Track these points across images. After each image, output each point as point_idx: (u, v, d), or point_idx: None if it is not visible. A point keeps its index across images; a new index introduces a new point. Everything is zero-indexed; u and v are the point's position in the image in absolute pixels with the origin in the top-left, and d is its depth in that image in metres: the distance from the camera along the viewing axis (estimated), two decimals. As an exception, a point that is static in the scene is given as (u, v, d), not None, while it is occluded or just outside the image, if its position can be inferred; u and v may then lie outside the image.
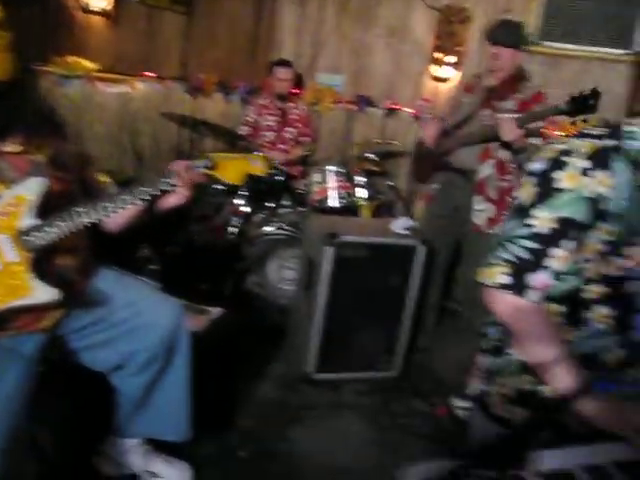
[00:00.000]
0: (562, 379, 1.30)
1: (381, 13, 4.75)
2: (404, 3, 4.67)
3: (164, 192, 1.85)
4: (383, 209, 4.14)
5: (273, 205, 3.91)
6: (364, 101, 4.81)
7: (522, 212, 1.34)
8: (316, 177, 3.90)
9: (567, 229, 1.29)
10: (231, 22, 4.76)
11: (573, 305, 1.38)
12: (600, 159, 1.28)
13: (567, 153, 1.30)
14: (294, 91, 4.59)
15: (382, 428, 2.83)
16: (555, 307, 1.39)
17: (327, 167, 3.88)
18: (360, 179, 3.94)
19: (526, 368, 1.43)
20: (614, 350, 1.39)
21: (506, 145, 2.96)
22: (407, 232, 3.07)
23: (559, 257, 1.31)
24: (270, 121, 4.45)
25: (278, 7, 5.05)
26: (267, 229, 3.73)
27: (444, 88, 4.63)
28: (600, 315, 1.36)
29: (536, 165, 1.35)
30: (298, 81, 4.67)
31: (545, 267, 1.31)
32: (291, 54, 4.99)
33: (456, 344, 3.42)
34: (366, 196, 3.92)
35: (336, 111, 4.92)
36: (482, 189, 3.18)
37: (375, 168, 4.22)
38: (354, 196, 3.87)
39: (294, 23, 5.04)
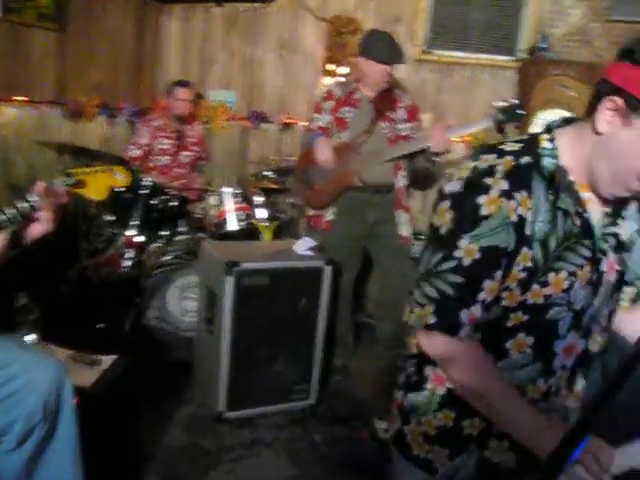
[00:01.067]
0: (510, 415, 1.21)
1: (270, 26, 4.62)
2: (293, 15, 4.57)
3: (26, 219, 1.60)
4: (285, 229, 3.98)
5: (168, 232, 3.66)
6: (258, 117, 4.65)
7: (444, 242, 1.21)
8: (213, 200, 3.69)
9: (494, 258, 1.19)
10: (111, 40, 4.46)
11: (492, 335, 1.28)
12: (519, 178, 1.19)
13: (485, 173, 1.19)
14: (192, 112, 4.38)
15: (303, 461, 2.68)
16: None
17: (223, 189, 3.67)
18: (259, 199, 3.77)
19: (448, 403, 1.32)
20: (537, 380, 1.30)
21: (429, 154, 2.94)
22: (311, 253, 2.94)
23: (488, 289, 1.21)
24: (165, 144, 4.21)
25: (162, 23, 4.83)
26: (164, 259, 3.47)
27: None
28: (520, 344, 1.27)
29: (452, 186, 1.23)
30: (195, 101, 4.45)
31: (475, 302, 1.21)
32: (178, 71, 4.80)
33: (372, 360, 3.33)
34: (266, 216, 3.75)
35: (230, 129, 4.73)
36: (400, 201, 3.16)
37: (274, 186, 4.07)
38: (254, 217, 3.69)
39: (180, 39, 4.84)
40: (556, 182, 1.20)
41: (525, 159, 1.21)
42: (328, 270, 2.88)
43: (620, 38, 4.18)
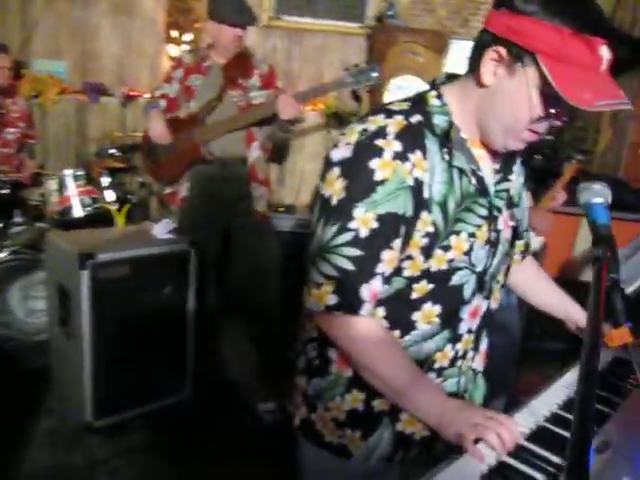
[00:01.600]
0: (423, 399, 1.14)
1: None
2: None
3: None
4: (138, 211, 3.67)
5: (1, 225, 3.19)
6: (95, 89, 4.19)
7: (337, 213, 1.12)
8: (52, 184, 3.27)
9: (393, 226, 1.12)
10: None
11: (397, 309, 1.22)
12: (411, 139, 1.12)
13: (375, 135, 1.11)
14: (12, 83, 3.85)
15: (182, 460, 2.48)
16: (379, 313, 1.22)
17: (64, 172, 3.26)
18: (105, 180, 3.42)
19: (356, 385, 1.25)
20: (444, 347, 1.26)
21: (282, 122, 2.80)
22: (172, 236, 2.71)
23: (388, 260, 1.13)
24: None
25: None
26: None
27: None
28: (427, 315, 1.23)
29: (340, 153, 1.14)
30: (15, 71, 3.90)
31: (375, 274, 1.13)
32: None
33: (244, 343, 3.19)
34: (115, 199, 3.41)
35: (63, 104, 4.23)
36: (255, 174, 2.99)
37: (120, 165, 3.72)
38: (102, 201, 3.34)
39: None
40: (450, 140, 1.16)
41: (416, 117, 1.15)
42: (193, 254, 2.67)
43: (459, 8, 4.33)
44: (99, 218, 3.29)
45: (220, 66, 2.97)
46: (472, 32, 4.34)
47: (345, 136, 1.16)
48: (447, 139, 1.15)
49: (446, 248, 1.17)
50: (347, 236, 1.10)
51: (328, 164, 1.16)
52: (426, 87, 1.25)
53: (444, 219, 1.15)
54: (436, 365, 1.26)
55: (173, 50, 4.16)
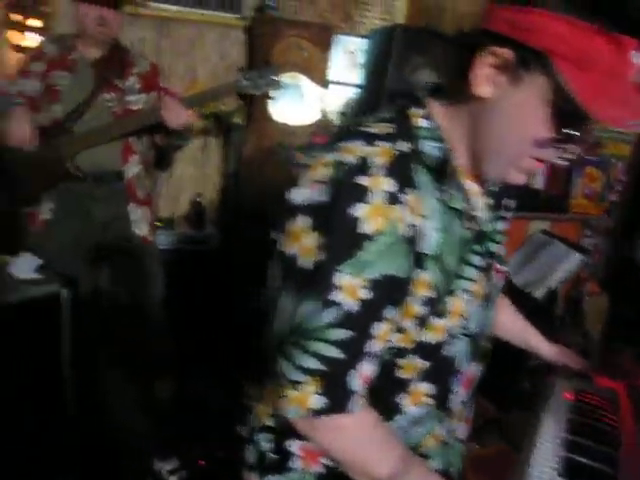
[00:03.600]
0: None
1: None
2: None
3: None
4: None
5: None
6: None
7: (313, 282, 0.84)
8: None
9: (388, 293, 0.85)
10: None
11: (379, 389, 0.94)
12: (403, 173, 0.86)
13: (357, 171, 0.83)
14: None
15: None
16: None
17: None
18: None
19: None
20: (435, 429, 1.01)
21: (167, 132, 2.36)
22: (38, 275, 2.18)
23: (382, 334, 0.88)
24: None
25: None
26: None
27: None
28: (416, 395, 0.97)
29: (306, 195, 0.85)
30: None
31: (365, 355, 0.87)
32: None
33: (131, 389, 2.72)
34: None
35: None
36: (133, 193, 2.52)
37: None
38: None
39: None
40: (446, 174, 0.90)
41: (404, 144, 0.89)
42: (67, 295, 2.16)
43: (342, 1, 4.10)
44: None
45: (90, 62, 2.45)
46: (355, 27, 4.14)
47: (311, 170, 0.85)
48: (442, 173, 0.90)
49: (441, 314, 0.91)
50: (330, 314, 0.83)
51: (289, 210, 0.86)
52: (315, 87, 0.95)
53: (444, 279, 0.90)
54: (423, 449, 1.00)
55: (16, 38, 3.49)
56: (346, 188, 0.83)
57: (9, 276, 2.13)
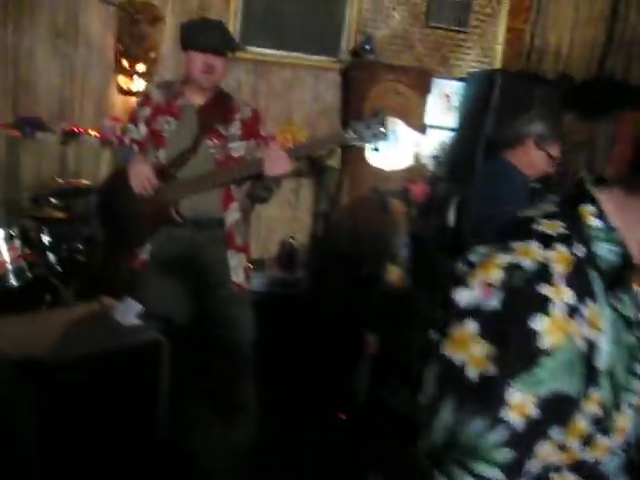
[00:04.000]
0: None
1: (40, 7, 3.59)
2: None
3: None
4: (86, 276, 3.09)
5: None
6: (30, 124, 3.61)
7: (480, 395, 0.76)
8: None
9: (557, 412, 0.77)
10: None
11: None
12: (582, 282, 0.78)
13: (537, 277, 0.75)
14: None
15: None
16: None
17: None
18: (45, 238, 2.84)
19: None
20: None
21: (267, 180, 2.35)
22: (138, 322, 2.19)
23: (545, 455, 0.79)
24: None
25: None
26: None
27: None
28: None
29: (475, 298, 0.77)
30: None
31: (524, 475, 0.78)
32: None
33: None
34: (57, 261, 2.84)
35: (-9, 139, 3.63)
36: (232, 239, 2.51)
37: (61, 215, 3.15)
38: (42, 266, 2.75)
39: None
40: (623, 281, 0.80)
41: (579, 249, 0.79)
42: (167, 345, 2.15)
43: (438, 45, 4.05)
44: (39, 288, 2.71)
45: (195, 108, 2.48)
46: (452, 70, 4.07)
47: (481, 271, 0.77)
48: (618, 279, 0.80)
49: (608, 431, 0.81)
50: (498, 433, 0.75)
51: (455, 312, 0.78)
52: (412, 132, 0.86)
53: (614, 394, 0.81)
54: None
55: (124, 82, 3.64)
56: (525, 297, 0.74)
57: (113, 321, 2.15)
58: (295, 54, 3.82)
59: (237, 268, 2.54)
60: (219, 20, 2.54)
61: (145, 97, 2.56)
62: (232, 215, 2.50)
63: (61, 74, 3.69)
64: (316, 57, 3.85)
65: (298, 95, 3.88)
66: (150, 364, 2.14)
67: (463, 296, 0.77)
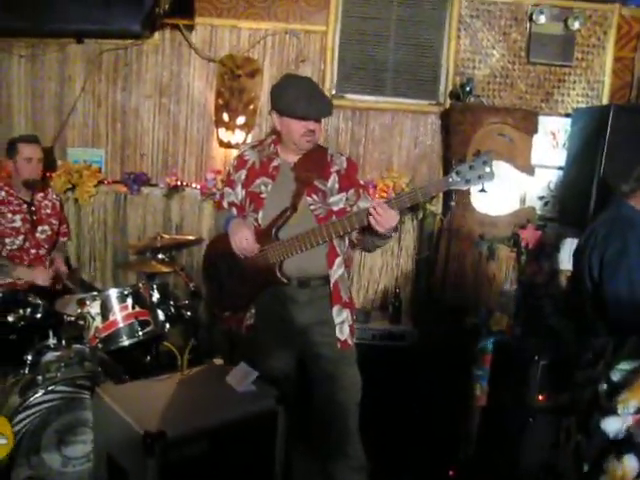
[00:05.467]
0: None
1: (145, 67, 3.75)
2: (173, 54, 3.74)
3: None
4: (194, 334, 3.09)
5: (31, 356, 2.62)
6: (136, 179, 3.73)
7: None
8: (94, 307, 2.71)
9: None
10: None
11: None
12: None
13: None
14: (45, 175, 3.49)
15: None
16: None
17: (109, 292, 2.71)
18: (155, 295, 2.87)
19: None
20: None
21: (375, 234, 2.27)
22: (252, 388, 2.14)
23: None
24: (16, 221, 3.26)
25: (0, 61, 3.75)
26: (32, 398, 2.46)
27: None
28: None
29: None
30: (49, 161, 3.53)
31: None
32: (26, 125, 3.77)
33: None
34: (165, 318, 2.86)
35: (100, 196, 3.77)
36: (338, 296, 2.44)
37: (166, 269, 3.20)
38: (153, 324, 2.77)
39: (27, 83, 3.77)
40: None
41: None
42: (282, 411, 2.10)
43: (541, 81, 3.89)
44: (149, 344, 2.74)
45: (291, 166, 2.45)
46: (556, 107, 3.88)
47: (627, 394, 0.74)
48: None
49: None
50: None
51: (605, 443, 0.86)
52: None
53: None
54: None
55: (224, 135, 3.70)
56: None
57: (228, 388, 2.13)
58: (393, 99, 3.77)
59: (342, 325, 2.46)
60: (312, 82, 2.47)
61: (240, 160, 2.55)
62: (337, 271, 2.43)
63: (164, 129, 3.80)
64: (414, 101, 3.78)
65: (397, 140, 3.81)
66: (267, 432, 2.09)
67: (611, 425, 0.67)
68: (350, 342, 2.50)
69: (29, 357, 2.65)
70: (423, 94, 3.79)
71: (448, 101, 3.77)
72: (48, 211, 3.43)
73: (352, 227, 2.31)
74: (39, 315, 2.68)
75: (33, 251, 3.31)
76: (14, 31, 3.59)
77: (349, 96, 3.75)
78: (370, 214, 2.20)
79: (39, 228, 3.35)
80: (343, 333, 2.46)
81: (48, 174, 3.63)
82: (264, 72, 3.69)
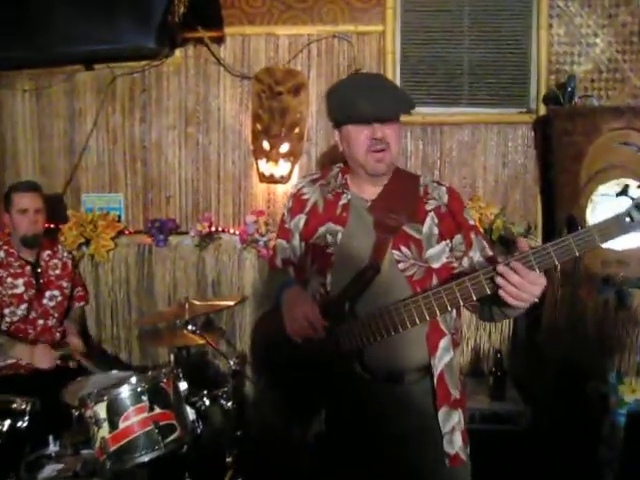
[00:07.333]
0: None
1: (168, 92, 3.16)
2: (200, 74, 3.13)
3: None
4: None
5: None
6: (162, 228, 3.10)
7: None
8: (99, 409, 2.00)
9: None
10: None
11: None
12: None
13: None
14: (49, 227, 3.02)
15: None
16: None
17: (119, 390, 1.99)
18: (182, 386, 2.16)
19: None
20: None
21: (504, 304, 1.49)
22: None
23: None
24: (17, 287, 2.76)
25: (2, 98, 3.27)
26: None
27: (282, 191, 3.09)
28: None
29: None
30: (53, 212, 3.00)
31: None
32: (34, 170, 3.26)
33: None
34: (196, 417, 2.15)
35: (120, 249, 3.16)
36: (444, 393, 1.69)
37: (200, 340, 2.52)
38: (179, 428, 2.03)
39: (32, 122, 3.26)
40: None
41: None
42: None
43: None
44: (176, 460, 2.04)
45: (367, 204, 1.72)
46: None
47: None
48: None
49: None
50: None
51: None
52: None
53: None
54: None
55: (265, 167, 3.02)
56: None
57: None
58: (472, 109, 3.04)
59: (453, 434, 1.68)
60: (378, 76, 1.91)
61: (296, 200, 1.83)
62: (443, 358, 1.67)
63: (193, 164, 3.17)
64: (499, 110, 3.04)
65: (481, 160, 3.07)
66: None
67: None
68: (463, 457, 1.71)
69: (21, 473, 2.03)
70: (509, 101, 3.04)
71: (542, 107, 3.02)
72: (57, 272, 2.89)
73: (466, 299, 1.53)
74: (25, 424, 2.04)
75: (40, 322, 2.79)
76: (16, 61, 3.09)
77: (417, 109, 3.01)
78: (497, 277, 1.44)
79: (47, 294, 2.82)
80: (454, 445, 1.67)
81: (56, 227, 3.08)
82: (310, 87, 3.04)
